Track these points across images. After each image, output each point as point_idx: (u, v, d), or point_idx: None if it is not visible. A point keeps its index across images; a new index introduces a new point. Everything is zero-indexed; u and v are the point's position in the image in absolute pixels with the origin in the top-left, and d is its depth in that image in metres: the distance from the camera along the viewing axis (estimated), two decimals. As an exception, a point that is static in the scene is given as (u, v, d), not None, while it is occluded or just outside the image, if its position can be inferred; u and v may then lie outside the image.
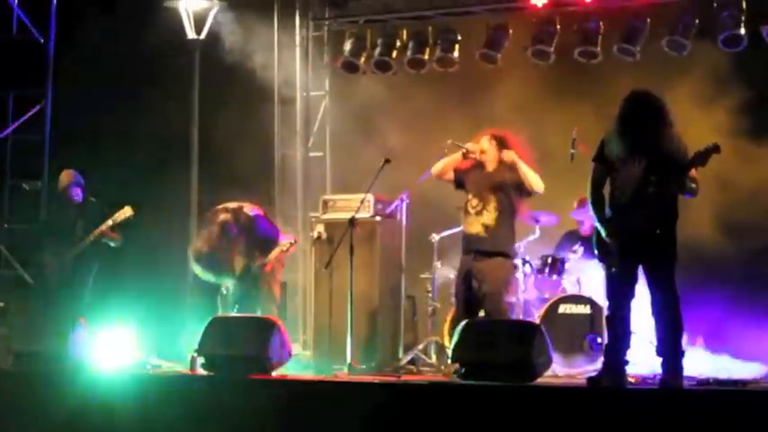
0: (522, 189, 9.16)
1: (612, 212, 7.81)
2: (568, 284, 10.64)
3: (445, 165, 9.41)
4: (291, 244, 10.11)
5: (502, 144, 9.29)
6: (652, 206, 7.63)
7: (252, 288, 9.92)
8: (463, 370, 7.89)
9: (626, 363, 7.82)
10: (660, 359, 7.74)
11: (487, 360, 7.83)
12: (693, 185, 7.67)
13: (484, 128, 10.30)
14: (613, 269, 7.79)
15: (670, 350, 7.67)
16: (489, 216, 9.12)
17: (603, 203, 7.89)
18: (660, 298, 7.68)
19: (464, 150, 9.37)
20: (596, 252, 7.96)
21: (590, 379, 7.85)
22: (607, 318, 7.97)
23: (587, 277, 10.53)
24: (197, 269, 9.97)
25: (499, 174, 9.23)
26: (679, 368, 7.65)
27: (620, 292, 7.83)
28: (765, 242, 10.54)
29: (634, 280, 7.80)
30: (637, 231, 7.65)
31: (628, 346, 7.82)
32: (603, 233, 7.78)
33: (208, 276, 9.96)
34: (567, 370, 9.56)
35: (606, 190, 7.92)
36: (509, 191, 9.17)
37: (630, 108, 7.83)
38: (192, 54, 12.28)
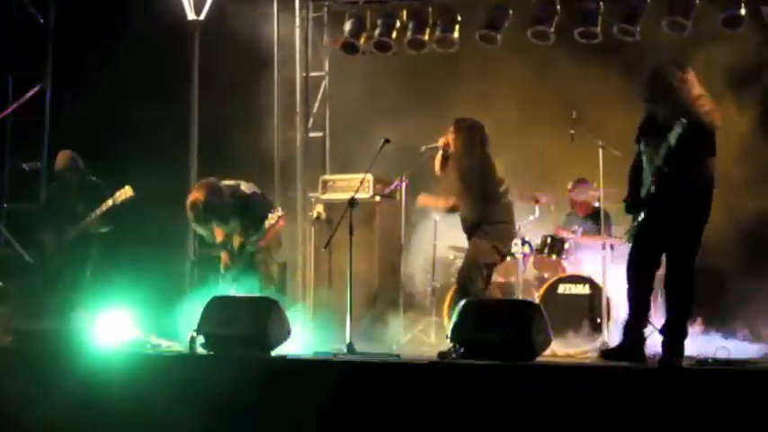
0: None
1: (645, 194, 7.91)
2: (568, 264, 10.65)
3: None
4: (279, 217, 9.97)
5: (457, 131, 9.35)
6: (672, 187, 7.68)
7: (249, 267, 9.91)
8: (462, 349, 7.90)
9: (644, 339, 7.87)
10: (662, 338, 7.81)
11: (486, 339, 7.83)
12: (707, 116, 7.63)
13: (483, 107, 10.36)
14: (638, 245, 7.90)
15: (673, 330, 7.72)
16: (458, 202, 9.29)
17: (636, 185, 8.02)
18: (675, 277, 7.74)
19: (439, 148, 9.42)
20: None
21: (604, 352, 7.92)
22: (628, 295, 8.00)
23: (587, 257, 10.54)
24: (191, 217, 9.96)
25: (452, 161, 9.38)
26: (680, 348, 7.69)
27: (644, 265, 7.90)
28: (765, 223, 10.53)
29: (657, 257, 7.90)
30: (660, 215, 7.74)
31: (643, 323, 7.88)
32: (626, 210, 8.03)
33: (200, 225, 9.94)
34: (566, 349, 9.58)
35: None
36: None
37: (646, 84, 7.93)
38: (192, 35, 12.25)
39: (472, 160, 9.23)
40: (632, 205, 8.05)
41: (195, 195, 9.76)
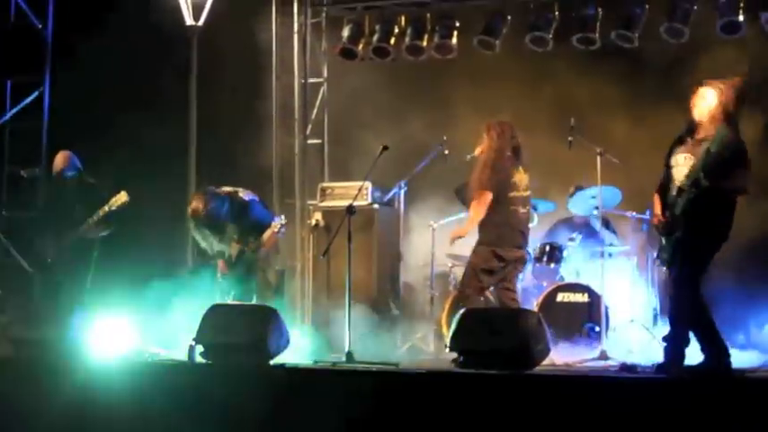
0: None
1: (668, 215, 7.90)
2: (566, 273, 10.64)
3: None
4: (282, 225, 10.02)
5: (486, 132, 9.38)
6: (694, 206, 7.70)
7: (247, 274, 9.93)
8: (461, 358, 7.90)
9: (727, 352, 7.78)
10: (664, 344, 7.87)
11: (485, 348, 7.83)
12: (741, 184, 7.70)
13: (482, 114, 10.35)
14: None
15: (673, 338, 7.79)
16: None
17: (656, 206, 8.00)
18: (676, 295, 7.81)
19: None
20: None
21: (659, 366, 7.83)
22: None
23: (585, 266, 10.54)
24: (193, 225, 10.05)
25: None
26: (681, 357, 7.72)
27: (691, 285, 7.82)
28: (763, 231, 10.52)
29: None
30: (680, 234, 7.76)
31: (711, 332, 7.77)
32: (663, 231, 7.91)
33: (201, 233, 9.99)
34: (565, 358, 9.56)
35: None
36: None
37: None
38: (191, 40, 12.24)
39: (489, 155, 9.24)
40: (668, 225, 7.92)
41: (196, 204, 9.89)
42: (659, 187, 8.05)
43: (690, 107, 7.90)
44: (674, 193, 7.82)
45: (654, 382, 7.37)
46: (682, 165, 7.80)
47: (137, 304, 9.71)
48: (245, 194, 10.10)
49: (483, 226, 9.19)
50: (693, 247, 7.73)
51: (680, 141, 7.94)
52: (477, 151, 9.38)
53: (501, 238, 9.19)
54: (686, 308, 7.75)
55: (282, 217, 10.13)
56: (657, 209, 8.00)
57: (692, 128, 7.89)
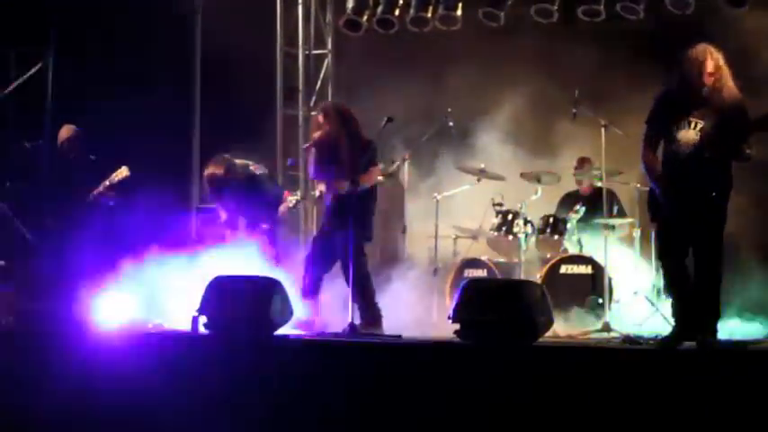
0: None
1: (668, 173, 7.76)
2: (570, 245, 10.63)
3: None
4: (297, 200, 10.10)
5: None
6: (708, 170, 7.59)
7: (251, 245, 9.95)
8: (464, 330, 7.90)
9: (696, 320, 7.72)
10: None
11: (489, 320, 7.82)
12: (749, 151, 7.62)
13: (485, 85, 10.33)
14: (669, 228, 7.79)
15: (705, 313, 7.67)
16: None
17: (657, 164, 7.84)
18: (705, 260, 7.64)
19: None
20: (649, 212, 7.96)
21: (663, 340, 7.77)
22: (667, 277, 7.97)
23: (588, 237, 10.53)
24: (208, 188, 10.29)
25: None
26: (714, 331, 7.65)
27: (675, 251, 7.80)
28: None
29: (688, 239, 7.73)
30: (692, 194, 7.62)
31: (690, 302, 7.72)
32: (659, 192, 7.75)
33: (216, 197, 10.22)
34: (568, 330, 9.57)
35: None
36: None
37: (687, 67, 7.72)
38: (195, 13, 12.19)
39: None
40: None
41: (213, 169, 10.10)
42: (651, 152, 7.91)
43: (689, 70, 7.71)
44: (682, 158, 7.71)
45: (657, 353, 7.36)
46: (691, 129, 7.68)
47: (140, 276, 9.71)
48: (255, 168, 10.17)
49: None
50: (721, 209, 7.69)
51: (678, 106, 7.79)
52: None
53: None
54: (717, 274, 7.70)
55: (298, 192, 10.18)
56: (658, 166, 7.87)
57: (691, 91, 7.72)
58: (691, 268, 7.75)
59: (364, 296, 9.22)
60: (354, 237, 8.93)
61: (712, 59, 7.66)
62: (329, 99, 12.86)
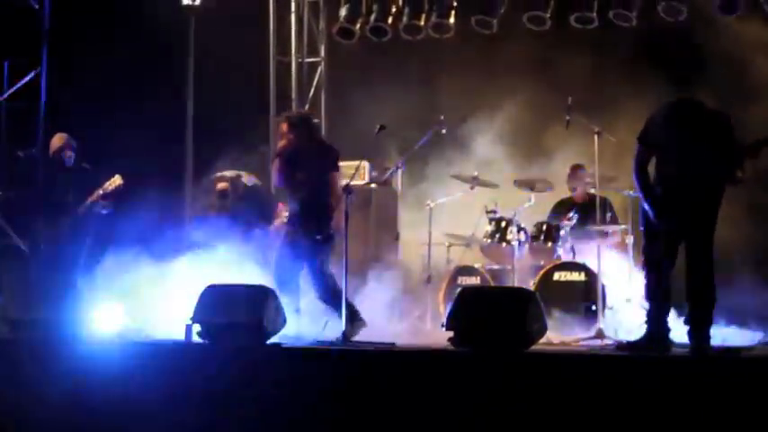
0: None
1: (661, 192, 7.89)
2: (563, 252, 10.63)
3: None
4: None
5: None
6: (700, 191, 7.74)
7: (246, 254, 9.94)
8: (458, 337, 7.89)
9: (669, 330, 7.92)
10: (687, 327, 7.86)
11: (481, 327, 7.82)
12: (740, 174, 7.79)
13: (479, 93, 10.32)
14: (658, 242, 7.91)
15: (700, 318, 7.78)
16: None
17: (650, 182, 7.97)
18: (698, 268, 7.76)
19: None
20: (640, 225, 8.11)
21: (630, 344, 7.98)
22: (650, 288, 8.02)
23: (582, 244, 10.53)
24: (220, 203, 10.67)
25: None
26: (707, 338, 7.76)
27: (664, 264, 7.91)
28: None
29: (676, 253, 7.93)
30: (684, 213, 7.75)
31: (668, 314, 7.94)
32: (652, 215, 7.88)
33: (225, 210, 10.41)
34: (562, 337, 9.57)
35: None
36: None
37: (689, 118, 7.92)
38: (188, 20, 12.19)
39: None
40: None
41: (224, 185, 10.51)
42: (644, 171, 8.04)
43: None
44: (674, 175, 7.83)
45: (650, 360, 7.36)
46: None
47: (133, 284, 9.70)
48: (248, 179, 10.20)
49: None
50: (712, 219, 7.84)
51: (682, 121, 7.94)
52: None
53: None
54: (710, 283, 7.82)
55: None
56: (652, 185, 7.98)
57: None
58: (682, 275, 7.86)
59: (334, 296, 9.21)
60: (312, 238, 8.97)
61: None
62: (322, 106, 12.90)
